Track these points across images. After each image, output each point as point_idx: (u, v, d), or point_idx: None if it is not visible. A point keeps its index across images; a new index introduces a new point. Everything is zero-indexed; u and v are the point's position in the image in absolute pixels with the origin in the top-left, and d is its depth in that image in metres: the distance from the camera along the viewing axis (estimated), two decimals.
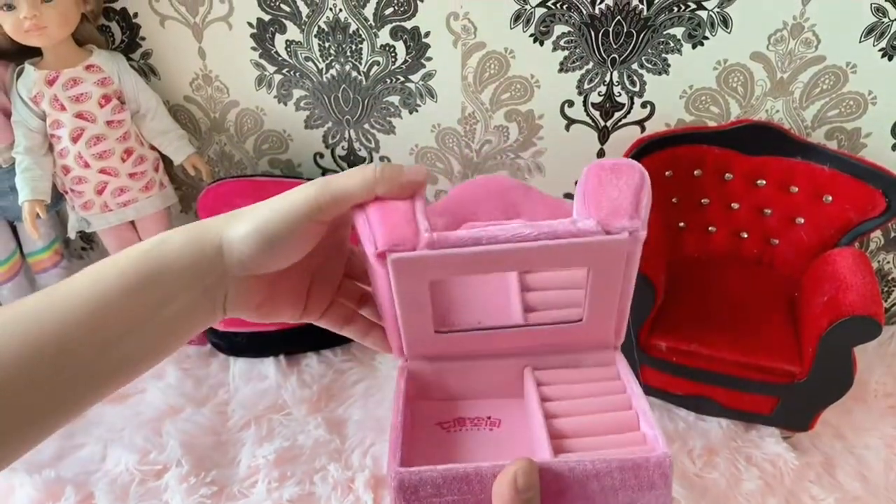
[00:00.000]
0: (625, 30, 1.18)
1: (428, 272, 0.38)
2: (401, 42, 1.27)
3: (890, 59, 1.12)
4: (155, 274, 0.36)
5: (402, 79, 1.32)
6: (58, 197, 1.36)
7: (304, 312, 0.45)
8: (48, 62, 1.23)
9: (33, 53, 1.24)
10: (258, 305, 0.41)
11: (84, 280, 0.37)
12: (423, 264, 0.38)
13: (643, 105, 1.27)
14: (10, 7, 1.13)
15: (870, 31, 1.10)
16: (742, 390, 1.16)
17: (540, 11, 1.18)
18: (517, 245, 0.38)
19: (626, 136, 1.30)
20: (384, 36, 1.26)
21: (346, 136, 1.44)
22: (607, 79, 1.25)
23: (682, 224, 1.32)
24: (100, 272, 0.36)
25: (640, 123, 1.30)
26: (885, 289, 1.46)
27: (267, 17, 1.28)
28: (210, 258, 0.37)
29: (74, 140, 1.25)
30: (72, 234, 1.38)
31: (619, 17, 1.16)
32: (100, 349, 0.35)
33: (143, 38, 1.36)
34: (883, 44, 1.11)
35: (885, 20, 1.09)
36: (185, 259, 0.37)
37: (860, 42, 1.12)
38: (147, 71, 1.41)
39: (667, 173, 1.26)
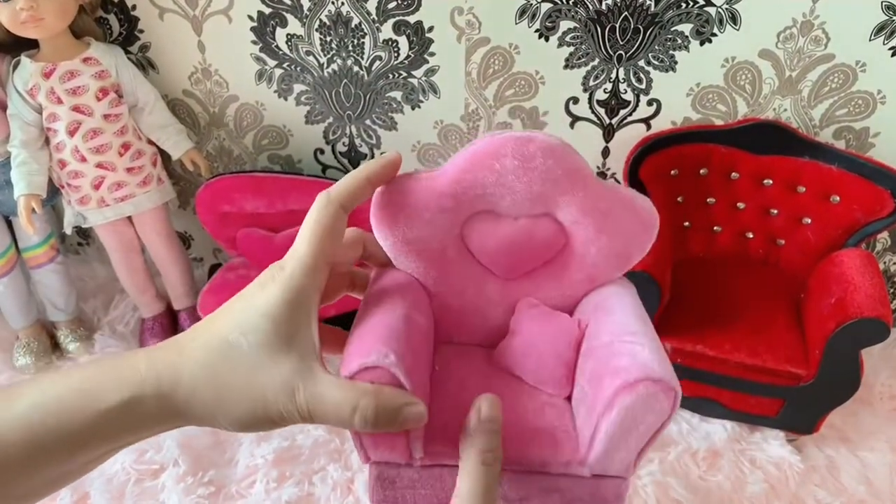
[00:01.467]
0: (632, 26, 1.16)
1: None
2: (404, 37, 1.25)
3: None
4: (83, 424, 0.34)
5: (404, 74, 1.30)
6: (54, 191, 1.34)
7: None
8: (45, 54, 1.21)
9: (30, 45, 1.22)
10: None
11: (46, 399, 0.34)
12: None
13: (649, 103, 1.25)
14: None
15: (880, 29, 1.09)
16: (747, 392, 1.14)
17: (546, 6, 1.16)
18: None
19: (632, 134, 1.29)
20: (387, 30, 1.24)
21: (348, 131, 1.42)
22: (613, 76, 1.23)
23: (687, 223, 1.30)
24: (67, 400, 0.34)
25: (646, 121, 1.28)
26: (891, 291, 1.45)
27: (268, 11, 1.26)
28: (153, 412, 0.34)
29: (71, 134, 1.23)
30: (68, 230, 1.36)
31: (626, 12, 1.14)
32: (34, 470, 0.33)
33: (141, 31, 1.34)
34: (893, 42, 1.10)
35: None
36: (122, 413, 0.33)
37: (870, 40, 1.10)
38: (145, 64, 1.39)
39: (672, 172, 1.24)
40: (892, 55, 1.11)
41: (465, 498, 0.34)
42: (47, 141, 1.26)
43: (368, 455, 0.54)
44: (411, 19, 1.22)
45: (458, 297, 0.70)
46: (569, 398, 0.66)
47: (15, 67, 1.21)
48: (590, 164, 1.07)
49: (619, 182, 1.37)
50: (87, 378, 0.34)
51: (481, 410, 0.35)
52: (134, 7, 1.31)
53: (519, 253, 0.67)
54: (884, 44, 1.10)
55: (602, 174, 1.36)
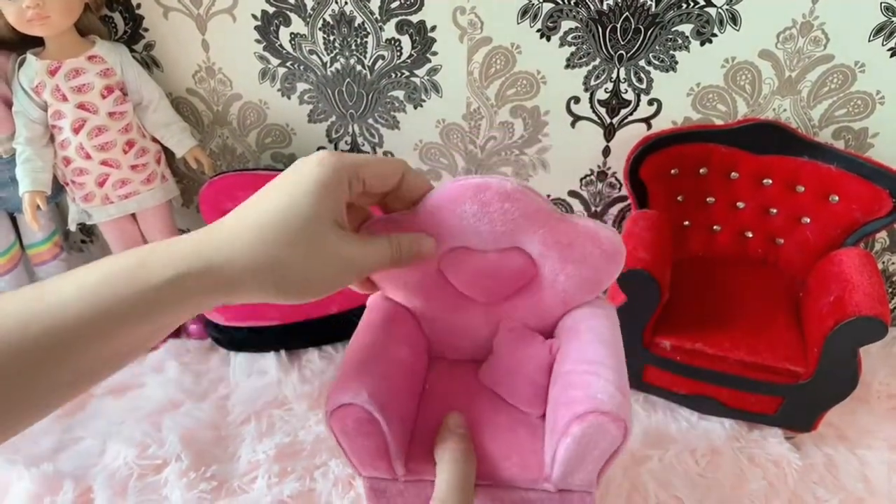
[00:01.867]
0: (632, 26, 1.17)
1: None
2: (406, 36, 1.26)
3: None
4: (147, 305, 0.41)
5: (407, 73, 1.31)
6: (58, 189, 1.35)
7: None
8: (50, 52, 1.22)
9: (35, 43, 1.23)
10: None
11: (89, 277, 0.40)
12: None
13: (650, 102, 1.26)
14: None
15: (879, 30, 1.10)
16: (746, 390, 1.15)
17: (547, 7, 1.17)
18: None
19: (632, 134, 1.30)
20: (390, 30, 1.25)
21: (350, 130, 1.43)
22: (614, 75, 1.24)
23: (686, 223, 1.31)
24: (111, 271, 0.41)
25: (647, 121, 1.29)
26: (890, 290, 1.46)
27: (271, 10, 1.27)
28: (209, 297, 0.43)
29: (76, 131, 1.24)
30: (72, 227, 1.37)
31: (627, 13, 1.15)
32: (95, 343, 0.38)
33: (145, 30, 1.35)
34: (892, 43, 1.11)
35: (895, 19, 1.08)
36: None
37: (869, 41, 1.11)
38: (150, 62, 1.40)
39: (672, 171, 1.25)
40: (892, 56, 1.12)
41: (444, 492, 0.41)
42: (52, 138, 1.27)
43: (360, 471, 0.67)
44: (414, 19, 1.23)
45: (444, 320, 0.77)
46: (543, 416, 0.73)
47: (20, 65, 1.22)
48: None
49: (619, 181, 1.38)
50: (137, 257, 0.40)
51: (449, 422, 0.50)
52: (139, 6, 1.32)
53: (492, 281, 0.77)
54: (883, 45, 1.11)
55: (603, 173, 1.37)
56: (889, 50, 1.12)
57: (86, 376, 0.41)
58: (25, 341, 0.36)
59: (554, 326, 0.83)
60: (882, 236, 1.37)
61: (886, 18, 1.09)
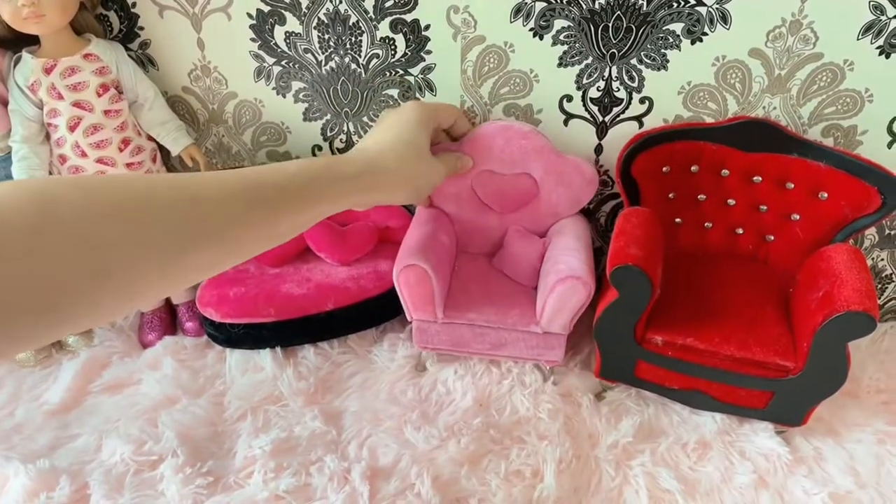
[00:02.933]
0: (624, 25, 1.18)
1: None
2: (400, 35, 1.27)
3: (887, 56, 1.13)
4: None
5: (401, 72, 1.32)
6: None
7: None
8: (46, 50, 1.22)
9: (31, 41, 1.23)
10: None
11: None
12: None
13: (641, 101, 1.27)
14: None
15: (868, 28, 1.11)
16: (736, 385, 1.17)
17: (540, 5, 1.18)
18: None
19: (624, 132, 1.31)
20: (384, 28, 1.26)
21: (345, 128, 1.44)
22: (606, 74, 1.25)
23: (678, 220, 1.33)
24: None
25: (639, 119, 1.30)
26: (879, 286, 1.47)
27: (266, 9, 1.28)
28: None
29: (72, 129, 1.25)
30: None
31: (618, 11, 1.16)
32: (305, 206, 0.63)
33: (141, 28, 1.36)
34: (881, 41, 1.12)
35: (884, 18, 1.09)
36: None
37: (858, 39, 1.12)
38: (145, 61, 1.40)
39: (664, 169, 1.26)
40: (880, 54, 1.13)
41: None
42: (48, 136, 1.28)
43: (413, 315, 1.03)
44: (408, 17, 1.24)
45: (470, 222, 1.19)
46: (535, 288, 1.15)
47: (16, 63, 1.23)
48: (553, 144, 1.27)
49: (611, 179, 1.39)
50: (325, 160, 0.69)
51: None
52: (134, 4, 1.32)
53: (507, 196, 1.25)
54: (871, 43, 1.13)
55: (596, 170, 1.38)
56: (878, 48, 1.13)
57: (285, 235, 0.63)
58: (270, 187, 0.58)
59: (547, 230, 1.27)
60: (871, 233, 1.38)
61: (875, 17, 1.10)
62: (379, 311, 1.24)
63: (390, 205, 0.77)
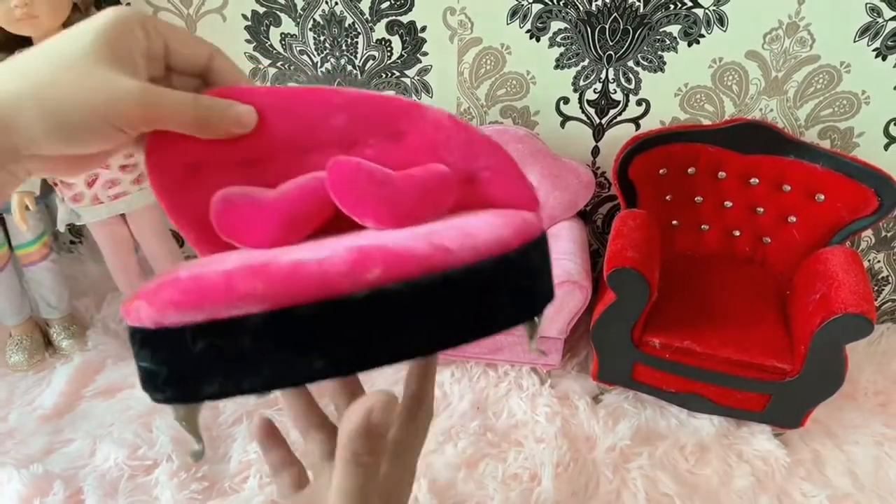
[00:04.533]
0: (621, 27, 1.18)
1: None
2: (397, 36, 1.26)
3: (884, 59, 1.13)
4: None
5: (397, 73, 1.31)
6: (47, 189, 1.34)
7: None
8: None
9: (23, 43, 1.22)
10: (66, 169, 0.34)
11: None
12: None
13: (638, 102, 1.27)
14: None
15: (864, 30, 1.11)
16: (734, 387, 1.16)
17: (537, 7, 1.18)
18: None
19: (621, 134, 1.31)
20: (380, 30, 1.26)
21: None
22: (603, 76, 1.25)
23: (675, 222, 1.32)
24: None
25: (635, 121, 1.30)
26: (876, 288, 1.47)
27: (262, 10, 1.27)
28: None
29: None
30: (61, 227, 1.36)
31: (615, 14, 1.16)
32: None
33: None
34: (877, 44, 1.12)
35: (880, 20, 1.09)
36: None
37: (854, 42, 1.12)
38: None
39: (661, 171, 1.26)
40: (877, 56, 1.14)
41: (337, 496, 0.30)
42: None
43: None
44: (404, 19, 1.24)
45: None
46: None
47: None
48: (550, 147, 1.24)
49: (608, 181, 1.39)
50: None
51: (373, 413, 0.30)
52: (128, 5, 1.31)
53: None
54: (868, 45, 1.13)
55: (592, 173, 1.38)
56: (874, 50, 1.13)
57: None
58: None
59: None
60: (868, 234, 1.38)
61: (871, 19, 1.10)
62: (483, 303, 0.33)
63: (35, 154, 0.32)
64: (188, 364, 0.27)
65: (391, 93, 1.34)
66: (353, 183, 0.33)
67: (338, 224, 0.34)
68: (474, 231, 0.30)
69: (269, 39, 1.31)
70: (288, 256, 0.29)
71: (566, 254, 1.18)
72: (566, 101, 1.29)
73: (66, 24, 1.22)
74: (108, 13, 0.33)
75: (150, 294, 0.27)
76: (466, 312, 0.29)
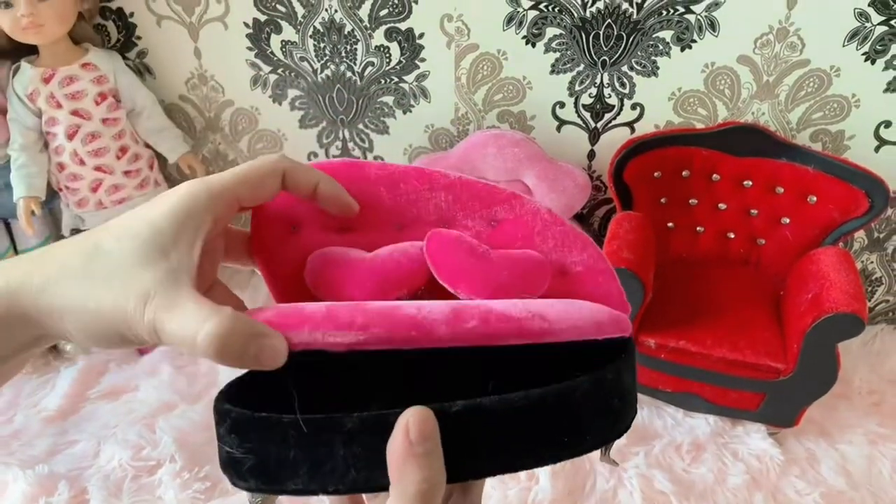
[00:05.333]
0: (615, 33, 1.20)
1: None
2: (395, 43, 1.28)
3: (873, 62, 1.15)
4: None
5: (396, 79, 1.34)
6: (52, 195, 1.36)
7: None
8: (44, 60, 1.24)
9: (29, 51, 1.25)
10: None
11: None
12: None
13: (633, 107, 1.29)
14: (8, 5, 1.14)
15: (853, 35, 1.13)
16: (729, 387, 1.18)
17: (532, 14, 1.20)
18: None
19: (616, 138, 1.33)
20: (379, 37, 1.28)
21: (341, 135, 1.45)
22: (598, 81, 1.27)
23: (670, 224, 1.34)
24: None
25: (630, 125, 1.32)
26: (869, 288, 1.49)
27: (263, 18, 1.29)
28: (15, 323, 0.28)
29: (70, 137, 1.26)
30: (66, 232, 1.39)
31: (609, 20, 1.18)
32: None
33: (138, 38, 1.37)
34: (866, 48, 1.14)
35: (868, 25, 1.11)
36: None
37: (844, 46, 1.15)
38: (142, 70, 1.42)
39: (655, 174, 1.28)
40: (866, 60, 1.16)
41: None
42: (46, 145, 1.29)
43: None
44: (402, 26, 1.26)
45: None
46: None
47: (15, 73, 1.24)
48: (546, 150, 1.26)
49: (604, 184, 1.41)
50: None
51: (410, 431, 0.26)
52: (132, 14, 1.34)
53: None
54: (857, 49, 1.15)
55: (588, 176, 1.40)
56: (863, 54, 1.15)
57: None
58: None
59: None
60: (860, 236, 1.40)
61: (860, 24, 1.12)
62: (567, 412, 0.31)
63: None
64: (278, 457, 0.26)
65: (389, 99, 1.37)
66: (451, 253, 0.33)
67: (429, 294, 0.33)
68: (572, 309, 0.29)
69: (269, 46, 1.33)
70: (383, 303, 0.29)
71: None
72: (562, 105, 1.31)
73: (71, 33, 1.25)
74: (180, 197, 0.29)
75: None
76: (557, 431, 0.27)
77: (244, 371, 0.31)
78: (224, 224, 0.31)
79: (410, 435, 0.26)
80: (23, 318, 0.28)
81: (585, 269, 0.34)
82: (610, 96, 1.28)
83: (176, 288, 0.28)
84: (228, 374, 1.24)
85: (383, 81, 1.34)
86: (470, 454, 0.26)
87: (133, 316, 0.27)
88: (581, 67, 1.25)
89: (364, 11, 1.25)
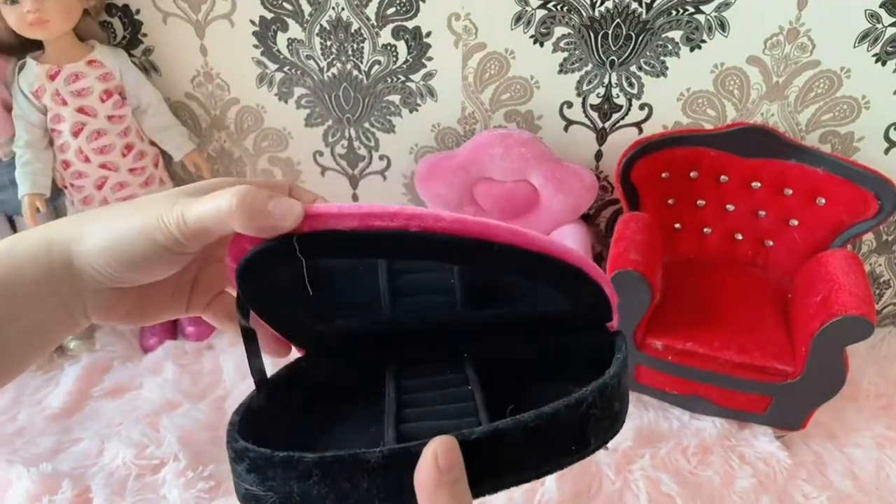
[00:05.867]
0: (624, 32, 1.19)
1: None
2: (402, 42, 1.28)
3: (883, 64, 1.14)
4: (3, 286, 0.31)
5: (402, 78, 1.33)
6: (57, 192, 1.36)
7: (187, 309, 0.39)
8: (50, 56, 1.23)
9: (35, 48, 1.24)
10: (127, 314, 0.36)
11: None
12: None
13: (641, 107, 1.29)
14: (14, 1, 1.13)
15: (864, 36, 1.12)
16: (736, 389, 1.17)
17: (540, 13, 1.20)
18: None
19: (624, 138, 1.32)
20: (386, 35, 1.27)
21: (347, 134, 1.45)
22: (606, 80, 1.26)
23: (678, 225, 1.33)
24: None
25: (638, 125, 1.31)
26: (877, 291, 1.48)
27: (269, 16, 1.29)
28: (60, 271, 0.32)
29: (75, 135, 1.25)
30: None
31: (618, 19, 1.18)
32: None
33: (144, 35, 1.37)
34: (877, 49, 1.13)
35: (879, 26, 1.11)
36: (35, 270, 0.31)
37: (854, 47, 1.14)
38: (148, 67, 1.41)
39: (663, 175, 1.27)
40: (876, 61, 1.15)
41: None
42: (51, 142, 1.29)
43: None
44: (410, 25, 1.25)
45: None
46: None
47: (20, 69, 1.24)
48: (553, 151, 1.25)
49: (611, 185, 1.40)
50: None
51: (438, 460, 0.27)
52: (138, 11, 1.33)
53: (507, 204, 1.21)
54: (868, 50, 1.14)
55: (595, 176, 1.39)
56: (874, 56, 1.14)
57: None
58: None
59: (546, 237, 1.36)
60: (869, 238, 1.39)
61: (871, 25, 1.11)
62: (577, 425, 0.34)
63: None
64: (302, 493, 0.27)
65: (396, 98, 1.36)
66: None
67: None
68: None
69: (276, 44, 1.33)
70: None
71: None
72: (570, 105, 1.30)
73: (77, 29, 1.24)
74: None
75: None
76: (566, 442, 0.29)
77: (249, 394, 0.36)
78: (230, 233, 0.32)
79: (439, 464, 0.27)
80: (66, 268, 0.31)
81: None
82: (618, 96, 1.28)
83: (195, 195, 0.32)
84: (233, 371, 1.23)
85: (390, 80, 1.34)
86: (489, 475, 0.28)
87: (164, 215, 0.31)
88: (589, 67, 1.25)
89: (371, 10, 1.24)
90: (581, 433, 0.29)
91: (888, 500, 1.14)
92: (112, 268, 0.32)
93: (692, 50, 1.20)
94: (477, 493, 0.28)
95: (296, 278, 0.32)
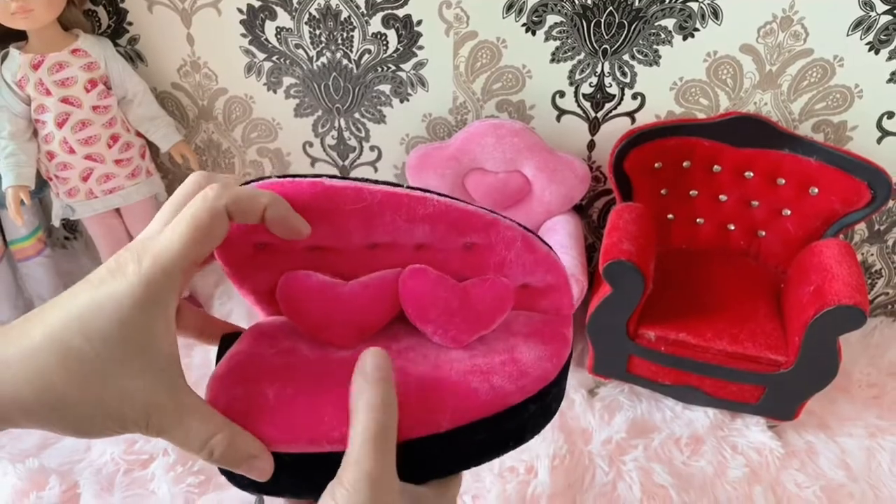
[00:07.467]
0: (616, 20, 1.18)
1: None
2: (392, 30, 1.26)
3: (877, 52, 1.14)
4: None
5: (393, 67, 1.31)
6: (42, 184, 1.34)
7: None
8: (33, 46, 1.21)
9: (18, 37, 1.22)
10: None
11: None
12: None
13: (634, 96, 1.28)
14: None
15: (857, 24, 1.12)
16: (729, 379, 1.17)
17: (532, 1, 1.18)
18: None
19: (617, 128, 1.31)
20: (376, 24, 1.26)
21: (337, 124, 1.43)
22: (598, 70, 1.25)
23: (670, 216, 1.33)
24: None
25: (631, 115, 1.30)
26: (869, 281, 1.48)
27: (257, 4, 1.27)
28: None
29: (59, 125, 1.23)
30: (56, 222, 1.36)
31: (610, 7, 1.17)
32: None
33: (129, 24, 1.34)
34: (870, 38, 1.13)
35: (873, 14, 1.10)
36: None
37: (847, 35, 1.13)
38: (134, 57, 1.39)
39: (656, 165, 1.27)
40: (870, 50, 1.14)
41: (358, 450, 0.28)
42: (35, 133, 1.26)
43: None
44: (400, 13, 1.24)
45: None
46: None
47: (3, 59, 1.21)
48: (545, 141, 1.24)
49: (604, 175, 1.39)
50: None
51: (367, 364, 0.30)
52: (123, 0, 1.31)
53: (499, 194, 1.20)
54: (861, 39, 1.13)
55: (588, 167, 1.38)
56: (867, 44, 1.14)
57: None
58: None
59: (539, 227, 1.28)
60: (861, 228, 1.39)
61: (864, 13, 1.11)
62: (518, 429, 0.38)
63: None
64: (273, 484, 0.31)
65: (386, 88, 1.34)
66: (425, 304, 0.35)
67: (403, 322, 0.36)
68: (527, 370, 0.34)
69: (264, 33, 1.31)
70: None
71: (562, 248, 1.18)
72: (562, 94, 1.29)
73: (61, 18, 1.22)
74: (139, 284, 0.27)
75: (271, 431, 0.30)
76: (499, 441, 0.34)
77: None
78: (187, 282, 0.30)
79: (366, 367, 0.30)
80: None
81: (546, 287, 0.36)
82: (611, 86, 1.27)
83: (174, 393, 0.29)
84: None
85: (380, 69, 1.32)
86: (432, 464, 0.33)
87: (135, 425, 0.27)
88: (581, 56, 1.24)
89: None
90: (520, 434, 0.34)
91: (879, 489, 1.15)
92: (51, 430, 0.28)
93: (685, 38, 1.19)
94: (422, 474, 0.32)
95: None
